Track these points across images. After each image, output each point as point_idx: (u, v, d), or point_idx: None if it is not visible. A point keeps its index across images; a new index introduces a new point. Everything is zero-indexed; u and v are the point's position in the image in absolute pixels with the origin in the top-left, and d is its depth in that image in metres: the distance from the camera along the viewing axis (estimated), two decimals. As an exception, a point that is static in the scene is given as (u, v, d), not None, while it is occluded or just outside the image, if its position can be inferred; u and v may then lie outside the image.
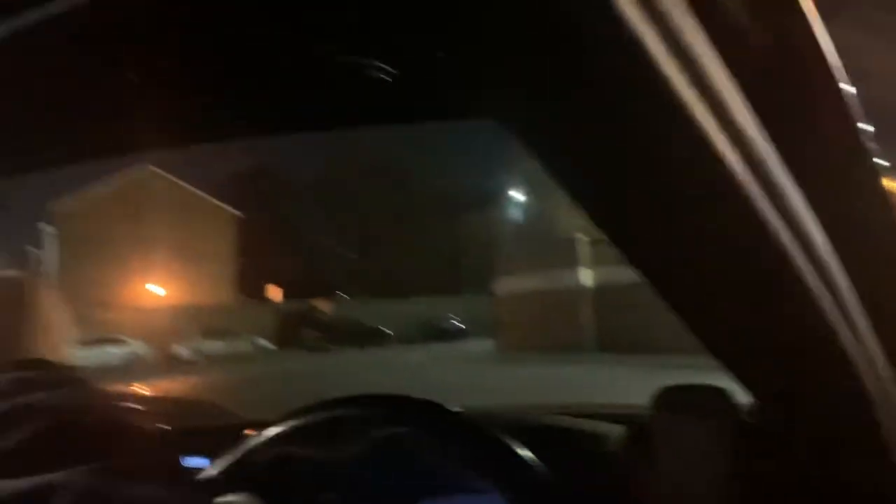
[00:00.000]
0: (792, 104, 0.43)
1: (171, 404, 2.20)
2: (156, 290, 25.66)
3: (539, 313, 15.07)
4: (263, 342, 23.44)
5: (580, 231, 14.50)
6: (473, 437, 0.73)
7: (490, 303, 17.88)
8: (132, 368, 18.74)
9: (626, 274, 0.58)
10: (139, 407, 2.05)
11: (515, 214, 25.41)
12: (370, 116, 0.86)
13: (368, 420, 0.77)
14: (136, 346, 20.68)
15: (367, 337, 23.44)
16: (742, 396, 0.66)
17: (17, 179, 1.01)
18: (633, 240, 0.49)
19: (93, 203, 25.82)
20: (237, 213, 29.26)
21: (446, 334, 24.31)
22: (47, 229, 26.01)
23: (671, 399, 0.75)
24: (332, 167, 35.33)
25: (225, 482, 0.72)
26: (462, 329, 24.98)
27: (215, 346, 21.43)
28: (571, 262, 15.10)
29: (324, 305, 27.18)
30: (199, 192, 28.39)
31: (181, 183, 27.58)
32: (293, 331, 24.41)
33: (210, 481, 0.73)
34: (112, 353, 19.57)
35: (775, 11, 0.41)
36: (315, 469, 0.78)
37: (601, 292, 14.40)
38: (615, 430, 0.86)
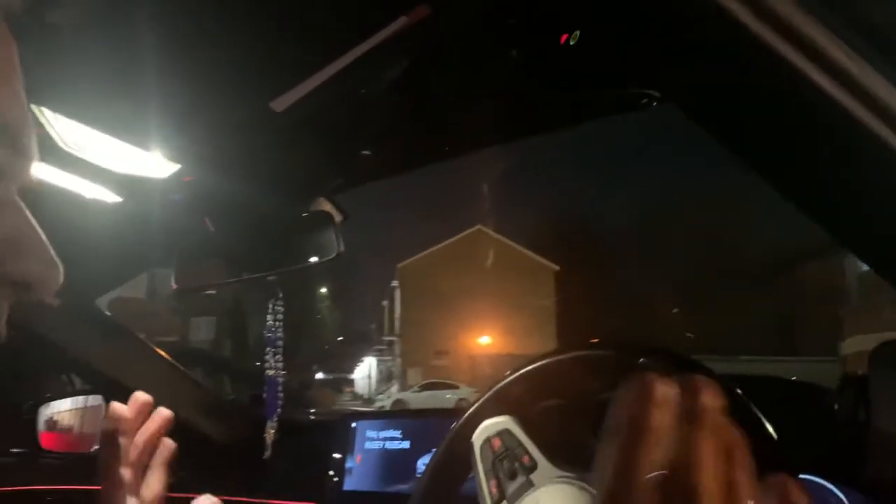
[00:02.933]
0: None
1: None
2: (482, 339, 27.41)
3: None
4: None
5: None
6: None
7: (833, 364, 15.88)
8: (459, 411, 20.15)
9: None
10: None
11: (863, 265, 22.19)
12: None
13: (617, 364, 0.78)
14: (464, 392, 22.20)
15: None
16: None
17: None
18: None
19: (429, 260, 28.75)
20: (555, 267, 30.13)
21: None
22: (394, 284, 29.58)
23: (888, 352, 0.77)
24: (650, 221, 34.72)
25: (487, 410, 0.83)
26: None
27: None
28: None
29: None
30: (520, 247, 29.92)
31: (505, 240, 29.38)
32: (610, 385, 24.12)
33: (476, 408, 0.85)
34: (445, 398, 21.40)
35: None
36: (568, 405, 0.85)
37: None
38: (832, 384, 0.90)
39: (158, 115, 0.87)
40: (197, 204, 1.06)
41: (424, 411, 1.35)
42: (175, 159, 0.96)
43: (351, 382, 28.12)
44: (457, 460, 0.85)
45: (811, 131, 0.50)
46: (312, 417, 1.49)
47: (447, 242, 29.20)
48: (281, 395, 1.12)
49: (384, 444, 1.33)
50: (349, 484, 1.35)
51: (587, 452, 1.08)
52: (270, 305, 1.12)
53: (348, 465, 1.37)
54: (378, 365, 29.29)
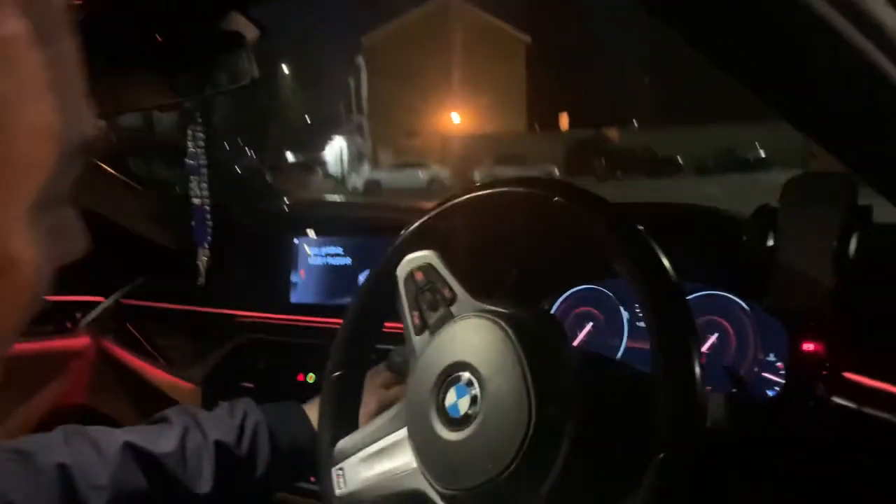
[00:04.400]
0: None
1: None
2: (454, 117, 27.19)
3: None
4: (553, 170, 23.86)
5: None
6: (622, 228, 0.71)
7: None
8: (433, 190, 20.66)
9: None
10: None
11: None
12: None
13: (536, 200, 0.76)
14: (437, 171, 22.49)
15: (658, 166, 22.73)
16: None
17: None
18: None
19: (396, 34, 27.51)
20: (528, 39, 29.09)
21: (747, 165, 22.36)
22: (359, 61, 28.56)
23: (799, 186, 0.79)
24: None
25: (412, 244, 0.84)
26: (765, 159, 22.78)
27: (507, 172, 22.33)
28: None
29: (614, 134, 26.66)
30: (492, 18, 28.59)
31: (475, 9, 27.98)
32: (582, 159, 24.53)
33: (400, 243, 0.86)
34: (418, 177, 21.74)
35: None
36: (487, 239, 0.87)
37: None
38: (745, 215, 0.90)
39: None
40: (96, 26, 0.97)
41: (362, 228, 1.36)
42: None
43: (322, 163, 28.17)
44: (382, 293, 0.88)
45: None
46: (285, 208, 1.49)
47: (414, 13, 27.76)
48: (210, 222, 1.11)
49: (327, 260, 1.36)
50: (295, 297, 1.40)
51: (506, 283, 1.12)
52: (190, 132, 1.07)
53: (293, 279, 1.40)
54: (348, 146, 29.20)
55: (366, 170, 25.53)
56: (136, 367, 1.60)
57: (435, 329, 0.79)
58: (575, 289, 1.13)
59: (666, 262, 0.67)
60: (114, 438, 0.84)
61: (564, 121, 28.38)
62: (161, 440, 0.86)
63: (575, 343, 1.13)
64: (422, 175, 22.03)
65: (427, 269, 0.82)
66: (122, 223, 1.65)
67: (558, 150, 25.55)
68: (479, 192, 0.82)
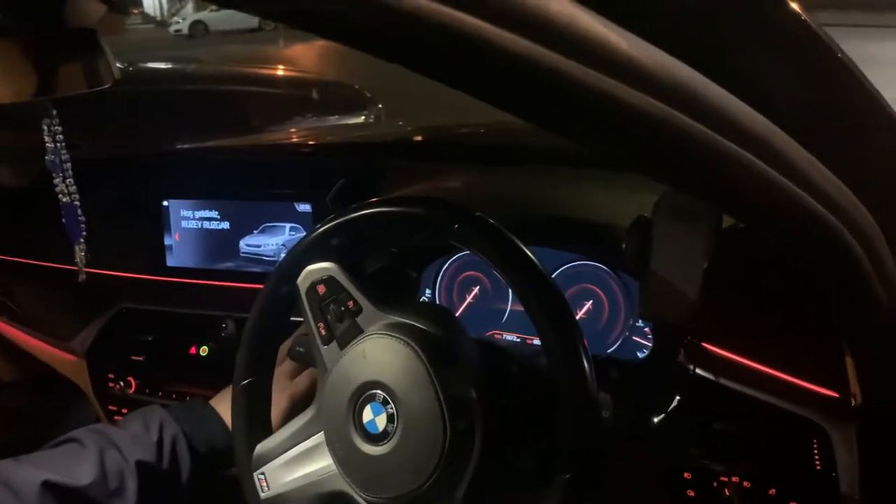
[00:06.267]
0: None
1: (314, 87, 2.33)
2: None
3: None
4: None
5: None
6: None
7: None
8: (265, 29, 19.29)
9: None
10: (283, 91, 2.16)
11: None
12: None
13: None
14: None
15: None
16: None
17: None
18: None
19: None
20: None
21: None
22: None
23: (668, 203, 0.81)
24: None
25: (312, 254, 0.86)
26: None
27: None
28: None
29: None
30: None
31: None
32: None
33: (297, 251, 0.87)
34: (248, 16, 20.09)
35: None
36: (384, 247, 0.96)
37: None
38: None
39: None
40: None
41: (237, 191, 1.33)
42: None
43: (138, 3, 25.14)
44: (282, 297, 0.89)
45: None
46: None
47: None
48: (82, 218, 1.05)
49: (202, 224, 1.32)
50: (171, 260, 1.37)
51: (409, 291, 1.16)
52: (45, 127, 0.98)
53: (167, 242, 1.36)
54: (165, -19, 26.18)
55: (189, 9, 23.18)
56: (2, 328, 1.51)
57: (343, 341, 0.82)
58: (461, 252, 1.18)
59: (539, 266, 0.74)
60: (29, 476, 0.83)
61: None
62: (78, 470, 0.86)
63: (462, 307, 1.20)
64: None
65: (330, 281, 0.84)
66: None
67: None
68: (369, 210, 0.84)
